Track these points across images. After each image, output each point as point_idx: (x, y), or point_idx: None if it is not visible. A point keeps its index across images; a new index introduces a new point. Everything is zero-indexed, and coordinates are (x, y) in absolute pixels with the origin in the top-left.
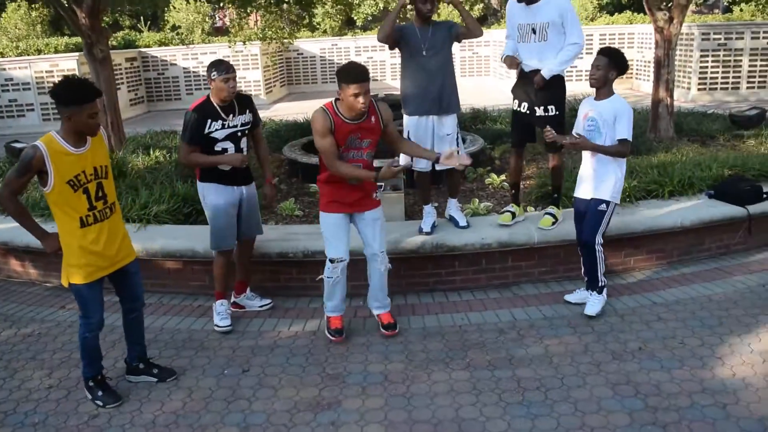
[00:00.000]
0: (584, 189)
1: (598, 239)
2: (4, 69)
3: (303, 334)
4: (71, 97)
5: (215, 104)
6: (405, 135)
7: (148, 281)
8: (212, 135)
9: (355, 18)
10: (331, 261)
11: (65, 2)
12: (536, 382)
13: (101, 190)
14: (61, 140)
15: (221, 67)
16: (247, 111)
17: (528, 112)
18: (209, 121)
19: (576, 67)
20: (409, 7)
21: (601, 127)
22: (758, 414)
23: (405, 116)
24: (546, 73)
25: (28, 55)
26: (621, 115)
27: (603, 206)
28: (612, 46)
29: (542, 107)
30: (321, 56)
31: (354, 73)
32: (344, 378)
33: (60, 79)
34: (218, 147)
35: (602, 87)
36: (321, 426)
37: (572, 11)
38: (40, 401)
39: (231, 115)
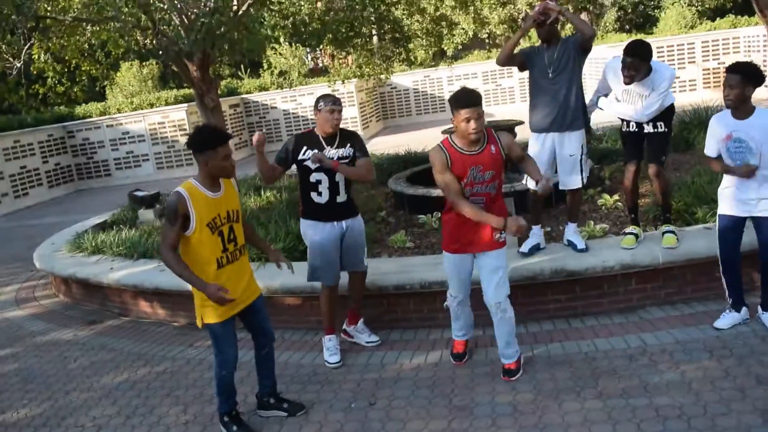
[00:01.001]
0: (734, 206)
1: None
2: (121, 124)
3: (426, 366)
4: (206, 142)
5: (317, 134)
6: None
7: (269, 317)
8: (305, 163)
9: (446, 48)
10: (450, 294)
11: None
12: (676, 410)
13: (233, 233)
14: (199, 185)
15: (328, 98)
16: (348, 145)
17: (636, 129)
18: (305, 148)
19: (678, 78)
20: None
21: (754, 147)
22: None
23: (531, 133)
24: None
25: (142, 109)
26: None
27: None
28: (741, 61)
29: (651, 123)
30: (414, 88)
31: (465, 98)
32: (472, 409)
33: (194, 128)
34: (312, 178)
35: (740, 106)
36: None
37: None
38: None
39: (329, 147)
